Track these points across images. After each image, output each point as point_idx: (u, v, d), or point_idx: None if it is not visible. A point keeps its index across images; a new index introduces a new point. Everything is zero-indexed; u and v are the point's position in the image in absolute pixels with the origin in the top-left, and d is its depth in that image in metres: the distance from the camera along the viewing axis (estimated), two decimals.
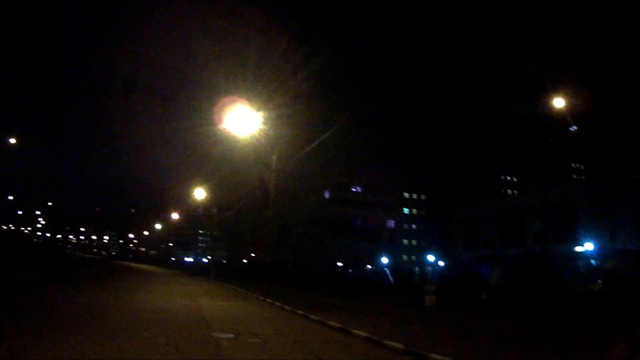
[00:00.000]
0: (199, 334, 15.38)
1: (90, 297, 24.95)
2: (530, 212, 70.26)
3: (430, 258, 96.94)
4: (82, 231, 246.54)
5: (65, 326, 14.69)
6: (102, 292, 28.72)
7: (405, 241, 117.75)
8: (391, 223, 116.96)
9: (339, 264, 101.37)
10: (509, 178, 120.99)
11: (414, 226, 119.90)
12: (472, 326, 21.13)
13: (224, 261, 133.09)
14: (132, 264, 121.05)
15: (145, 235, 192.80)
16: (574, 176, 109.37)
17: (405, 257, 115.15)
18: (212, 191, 78.83)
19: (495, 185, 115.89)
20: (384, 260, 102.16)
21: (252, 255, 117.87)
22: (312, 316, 22.34)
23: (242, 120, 36.07)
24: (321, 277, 77.87)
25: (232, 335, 15.40)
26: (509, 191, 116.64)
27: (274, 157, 37.74)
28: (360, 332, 17.05)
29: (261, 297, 33.13)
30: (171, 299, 28.90)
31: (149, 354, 11.64)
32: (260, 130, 36.30)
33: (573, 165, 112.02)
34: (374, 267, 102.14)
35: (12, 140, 66.90)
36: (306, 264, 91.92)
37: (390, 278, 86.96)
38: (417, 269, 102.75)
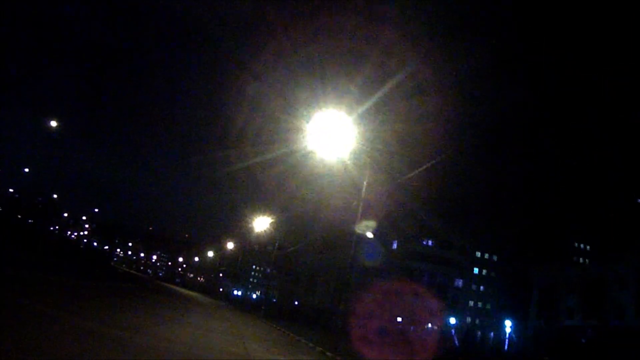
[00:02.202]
0: None
1: (109, 321, 17.90)
2: (615, 284, 66.33)
3: (507, 324, 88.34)
4: (130, 246, 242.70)
5: None
6: (129, 317, 21.78)
7: (471, 302, 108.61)
8: (459, 282, 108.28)
9: (399, 319, 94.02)
10: (582, 246, 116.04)
11: (481, 288, 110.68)
12: None
13: (274, 300, 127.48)
14: (178, 288, 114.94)
15: (195, 261, 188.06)
16: None
17: (469, 319, 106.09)
18: (275, 228, 72.16)
19: (569, 252, 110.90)
20: (452, 321, 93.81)
21: (304, 298, 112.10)
22: None
23: (329, 142, 28.80)
24: (383, 332, 70.57)
25: None
26: (581, 259, 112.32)
27: (364, 183, 30.28)
28: None
29: (328, 354, 25.49)
30: (212, 338, 21.61)
31: None
32: (351, 152, 29.05)
33: None
34: (434, 327, 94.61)
35: (53, 123, 59.50)
36: (366, 316, 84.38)
37: (456, 341, 79.86)
38: (479, 333, 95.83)
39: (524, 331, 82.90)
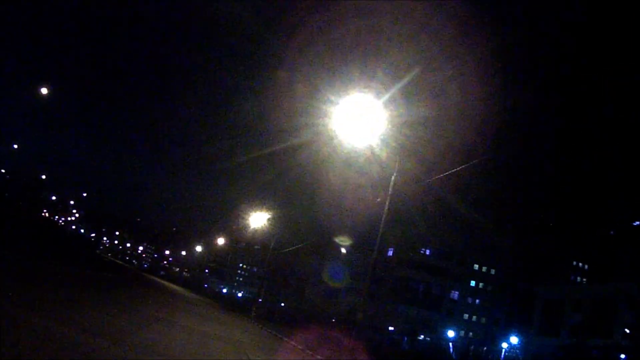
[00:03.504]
0: None
1: (83, 323, 13.85)
2: (624, 303, 64.11)
3: (513, 340, 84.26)
4: (117, 235, 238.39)
5: None
6: (108, 316, 17.59)
7: (466, 316, 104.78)
8: (455, 294, 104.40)
9: (391, 328, 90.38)
10: (580, 264, 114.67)
11: (477, 301, 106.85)
12: None
13: (259, 300, 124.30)
14: (163, 281, 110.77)
15: (182, 254, 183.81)
16: None
17: (462, 332, 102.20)
18: (272, 225, 67.46)
19: (566, 270, 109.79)
20: (450, 333, 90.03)
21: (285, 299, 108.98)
22: None
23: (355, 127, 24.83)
24: (379, 343, 67.00)
25: None
26: (579, 278, 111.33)
27: (393, 177, 26.22)
28: None
29: None
30: (210, 349, 17.48)
31: None
32: (380, 140, 25.11)
33: None
34: (427, 338, 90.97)
35: (44, 92, 54.84)
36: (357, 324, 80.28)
37: (453, 355, 76.42)
38: (472, 347, 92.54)
39: (526, 348, 79.42)
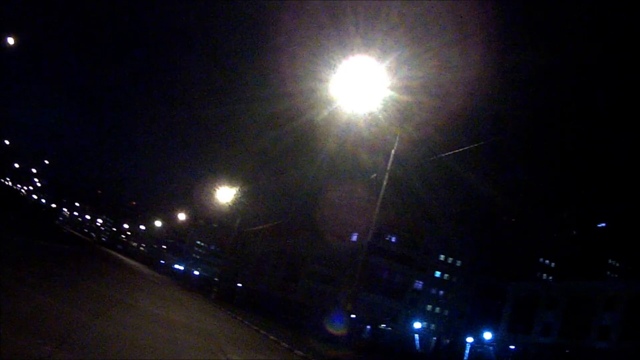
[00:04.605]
0: None
1: (21, 315, 10.83)
2: (600, 303, 63.63)
3: (487, 336, 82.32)
4: (77, 207, 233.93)
5: None
6: (59, 301, 14.29)
7: (429, 307, 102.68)
8: (419, 284, 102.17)
9: (352, 315, 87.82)
10: (547, 262, 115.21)
11: (441, 292, 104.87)
12: None
13: (216, 279, 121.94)
14: (120, 256, 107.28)
15: (141, 229, 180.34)
16: (608, 273, 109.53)
17: (424, 324, 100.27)
18: (238, 203, 63.96)
19: (532, 266, 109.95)
20: (417, 325, 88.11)
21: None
22: None
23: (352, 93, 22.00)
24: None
25: None
26: (545, 275, 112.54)
27: (393, 152, 23.28)
28: None
29: None
30: (179, 345, 14.20)
31: None
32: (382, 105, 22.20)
33: (610, 261, 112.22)
34: (388, 327, 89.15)
35: (10, 41, 50.14)
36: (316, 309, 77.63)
37: (418, 345, 74.93)
38: (434, 338, 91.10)
39: (498, 344, 77.90)
